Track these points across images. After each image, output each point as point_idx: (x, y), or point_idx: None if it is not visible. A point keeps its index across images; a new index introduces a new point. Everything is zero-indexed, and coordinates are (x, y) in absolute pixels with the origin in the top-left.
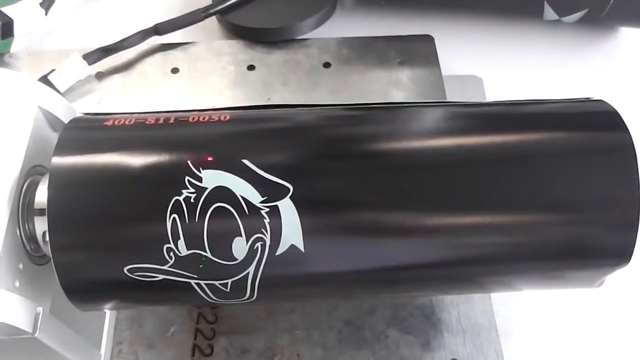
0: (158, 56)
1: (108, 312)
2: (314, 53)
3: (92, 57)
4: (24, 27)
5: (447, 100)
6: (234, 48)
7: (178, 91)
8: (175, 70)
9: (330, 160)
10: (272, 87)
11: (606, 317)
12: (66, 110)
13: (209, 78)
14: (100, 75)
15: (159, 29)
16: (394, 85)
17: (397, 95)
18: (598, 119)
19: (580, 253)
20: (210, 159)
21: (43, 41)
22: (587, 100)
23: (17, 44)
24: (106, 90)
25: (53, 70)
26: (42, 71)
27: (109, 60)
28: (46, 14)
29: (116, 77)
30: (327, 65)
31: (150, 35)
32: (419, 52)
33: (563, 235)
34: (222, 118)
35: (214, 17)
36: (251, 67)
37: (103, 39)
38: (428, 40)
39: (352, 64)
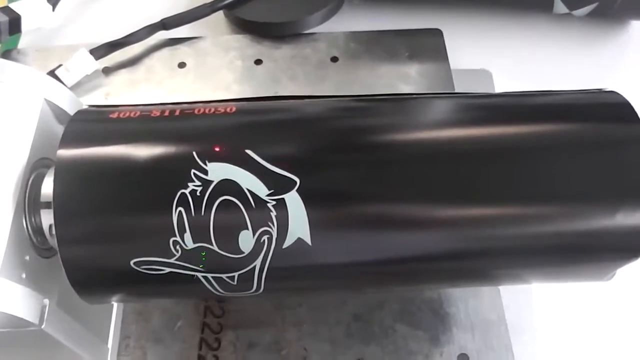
0: (165, 51)
1: (115, 307)
2: (322, 47)
3: (99, 52)
4: (32, 23)
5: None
6: (241, 43)
7: (185, 86)
8: (182, 65)
9: (337, 153)
10: (280, 81)
11: (617, 312)
12: (72, 103)
13: (216, 73)
14: (107, 71)
15: (165, 24)
16: (402, 80)
17: (406, 90)
18: (610, 110)
19: (591, 246)
20: (216, 151)
21: (50, 37)
22: (600, 91)
23: (25, 40)
24: (113, 85)
25: (60, 65)
26: (49, 67)
27: (116, 55)
28: (53, 10)
29: (123, 72)
30: (334, 59)
31: (157, 30)
32: (428, 46)
33: (574, 228)
34: (228, 110)
35: (220, 12)
36: (258, 62)
37: (110, 34)
38: (437, 34)
39: (360, 58)
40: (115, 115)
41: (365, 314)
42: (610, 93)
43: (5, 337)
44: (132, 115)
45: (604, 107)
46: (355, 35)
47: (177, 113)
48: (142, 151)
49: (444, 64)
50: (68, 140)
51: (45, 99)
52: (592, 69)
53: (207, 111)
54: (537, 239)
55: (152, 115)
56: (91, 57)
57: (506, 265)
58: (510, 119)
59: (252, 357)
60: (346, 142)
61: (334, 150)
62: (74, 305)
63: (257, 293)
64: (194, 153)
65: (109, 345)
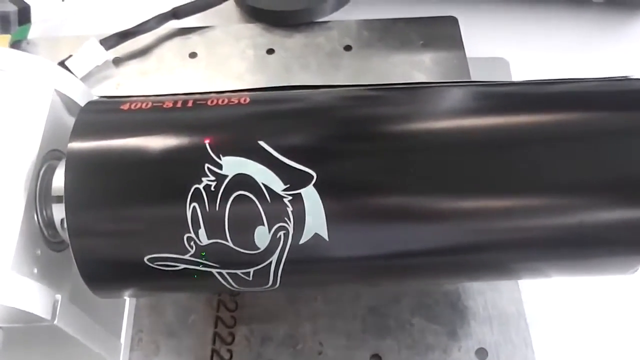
0: (176, 40)
1: (127, 302)
2: (335, 36)
3: (110, 42)
4: (41, 13)
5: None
6: (252, 31)
7: (196, 76)
8: (193, 55)
9: (353, 145)
10: (292, 71)
11: (637, 307)
12: (83, 94)
13: (228, 62)
14: (117, 61)
15: (176, 13)
16: (416, 68)
17: (420, 78)
18: (637, 97)
19: (615, 237)
20: (230, 144)
21: (60, 27)
22: (626, 78)
23: (35, 31)
24: (124, 76)
25: (70, 56)
26: (59, 57)
27: (126, 46)
28: (63, 0)
29: (134, 62)
30: (348, 48)
31: (168, 20)
32: (443, 34)
33: (599, 219)
34: (242, 101)
35: (231, 1)
36: (270, 51)
37: (120, 24)
38: (452, 21)
39: (373, 47)
40: (126, 107)
41: (381, 308)
42: (637, 80)
43: (17, 333)
44: (143, 106)
45: (631, 94)
46: (369, 24)
47: (189, 104)
48: (155, 144)
49: (460, 52)
50: (79, 131)
51: (56, 90)
52: (610, 55)
53: (220, 102)
54: (561, 230)
55: (165, 106)
56: (101, 47)
57: (527, 258)
58: (534, 108)
59: (266, 351)
60: (362, 134)
61: (351, 143)
62: (86, 300)
63: (272, 288)
64: (208, 147)
65: (122, 339)
